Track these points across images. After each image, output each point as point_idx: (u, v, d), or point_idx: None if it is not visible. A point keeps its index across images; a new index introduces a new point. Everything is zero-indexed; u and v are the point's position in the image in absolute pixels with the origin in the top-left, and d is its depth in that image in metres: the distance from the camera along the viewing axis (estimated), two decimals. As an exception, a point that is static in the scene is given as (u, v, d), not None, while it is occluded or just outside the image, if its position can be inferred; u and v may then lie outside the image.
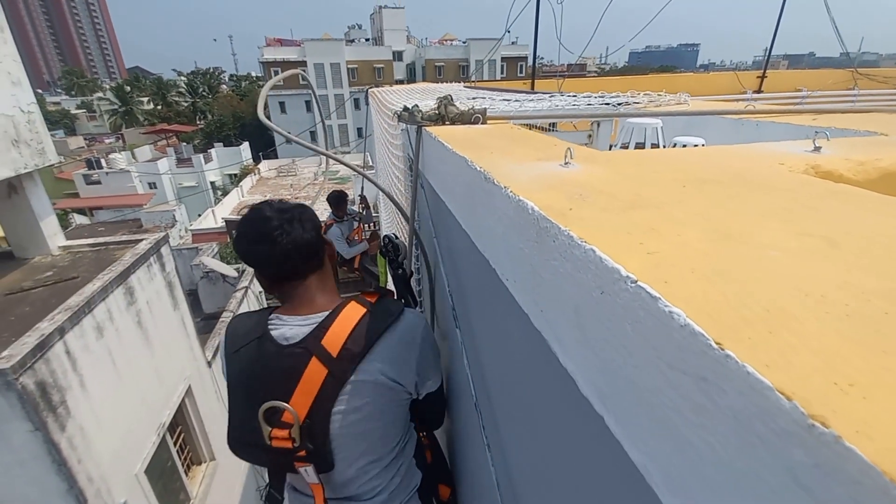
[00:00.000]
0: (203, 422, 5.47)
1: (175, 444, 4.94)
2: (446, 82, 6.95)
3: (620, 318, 0.37)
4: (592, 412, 0.44)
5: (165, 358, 4.78)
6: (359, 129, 36.71)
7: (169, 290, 5.15)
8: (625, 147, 1.94)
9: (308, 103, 38.25)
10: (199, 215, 21.99)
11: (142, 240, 4.97)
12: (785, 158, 0.81)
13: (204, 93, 46.12)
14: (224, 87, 50.66)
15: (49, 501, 3.28)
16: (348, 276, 7.74)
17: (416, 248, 1.67)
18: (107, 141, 41.32)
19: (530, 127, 2.20)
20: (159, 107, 44.51)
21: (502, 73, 41.03)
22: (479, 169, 0.76)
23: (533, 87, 6.38)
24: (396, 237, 1.72)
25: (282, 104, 38.15)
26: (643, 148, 1.89)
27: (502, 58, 40.94)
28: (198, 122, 43.21)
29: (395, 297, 1.36)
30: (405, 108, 1.44)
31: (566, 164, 0.77)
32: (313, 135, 37.48)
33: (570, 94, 3.10)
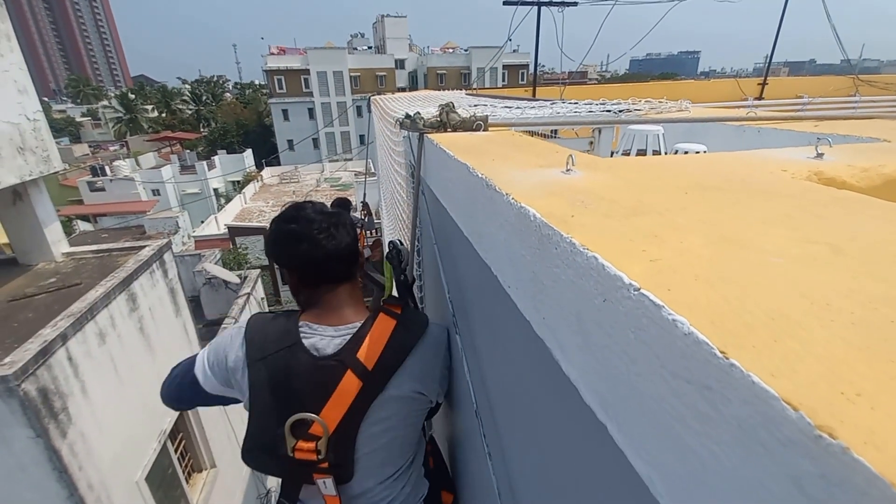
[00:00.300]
0: (204, 428, 5.46)
1: (176, 451, 4.93)
2: (448, 90, 6.99)
3: (623, 326, 0.37)
4: (595, 421, 0.43)
5: (167, 364, 4.74)
6: (361, 136, 36.89)
7: (171, 296, 5.16)
8: (626, 154, 1.95)
9: (311, 111, 38.48)
10: (202, 222, 22.09)
11: (145, 246, 4.99)
12: (788, 165, 0.80)
13: (208, 101, 46.53)
14: (228, 94, 51.15)
15: (49, 508, 3.27)
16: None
17: (418, 254, 1.67)
18: (111, 148, 41.60)
19: (532, 134, 2.21)
20: (163, 114, 44.91)
21: (504, 80, 41.22)
22: (480, 176, 0.76)
23: (534, 95, 6.41)
24: (401, 243, 1.72)
25: (285, 111, 38.41)
26: (645, 155, 1.89)
27: (504, 65, 41.17)
28: (201, 130, 43.54)
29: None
30: (407, 116, 1.45)
31: (568, 170, 0.77)
32: (315, 142, 37.75)
33: (572, 101, 3.11)
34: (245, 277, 8.96)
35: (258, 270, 9.91)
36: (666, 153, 2.06)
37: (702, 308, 0.32)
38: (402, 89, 36.45)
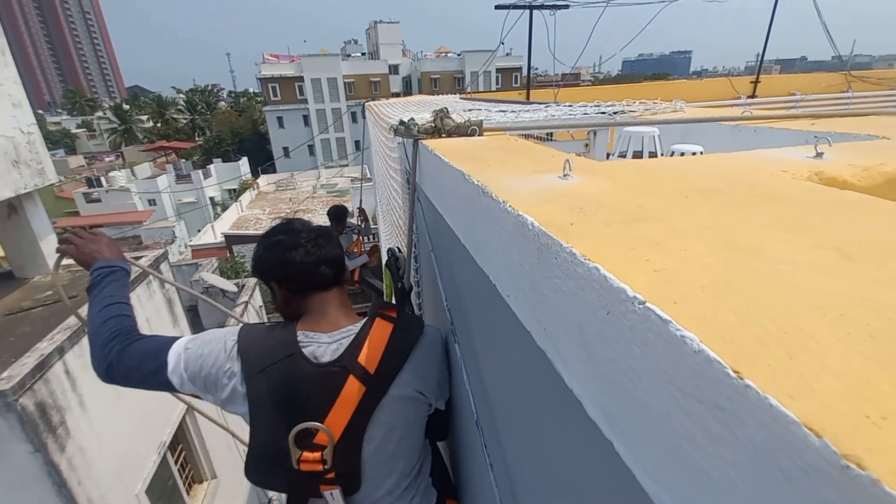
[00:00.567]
0: (204, 439, 5.41)
1: (176, 462, 4.88)
2: (442, 94, 7.00)
3: (628, 340, 0.36)
4: (601, 437, 0.42)
5: (166, 376, 4.72)
6: (356, 142, 36.89)
7: (168, 306, 5.13)
8: (622, 156, 1.94)
9: (306, 118, 38.49)
10: (199, 231, 22.01)
11: (141, 257, 4.96)
12: (787, 165, 0.79)
13: (202, 109, 46.49)
14: (222, 103, 51.13)
15: (49, 524, 3.22)
16: (348, 288, 7.71)
17: (415, 261, 1.65)
18: (107, 159, 41.55)
19: (527, 137, 2.20)
20: (158, 124, 44.84)
21: (497, 83, 41.34)
22: (476, 183, 0.75)
23: (528, 97, 6.42)
24: (400, 250, 1.71)
25: (280, 119, 38.40)
26: (641, 156, 1.88)
27: (497, 69, 41.27)
28: (196, 139, 43.48)
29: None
30: (401, 122, 1.43)
31: (565, 175, 0.76)
32: (311, 148, 37.73)
33: (566, 103, 3.11)
34: (242, 286, 8.92)
35: (256, 278, 9.85)
36: (662, 154, 2.05)
37: (710, 322, 0.31)
38: (397, 94, 36.53)
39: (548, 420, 0.62)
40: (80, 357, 3.59)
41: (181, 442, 5.13)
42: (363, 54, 45.81)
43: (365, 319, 1.15)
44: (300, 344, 1.07)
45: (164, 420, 4.60)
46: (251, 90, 58.25)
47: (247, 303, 7.89)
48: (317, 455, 1.02)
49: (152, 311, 4.75)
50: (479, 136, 1.38)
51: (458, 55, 42.86)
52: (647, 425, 0.35)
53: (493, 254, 0.71)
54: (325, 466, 1.03)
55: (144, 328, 4.57)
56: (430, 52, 46.33)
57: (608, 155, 2.88)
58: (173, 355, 1.06)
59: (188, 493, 5.07)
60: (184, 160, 34.06)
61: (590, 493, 0.53)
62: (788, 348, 0.28)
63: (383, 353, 1.07)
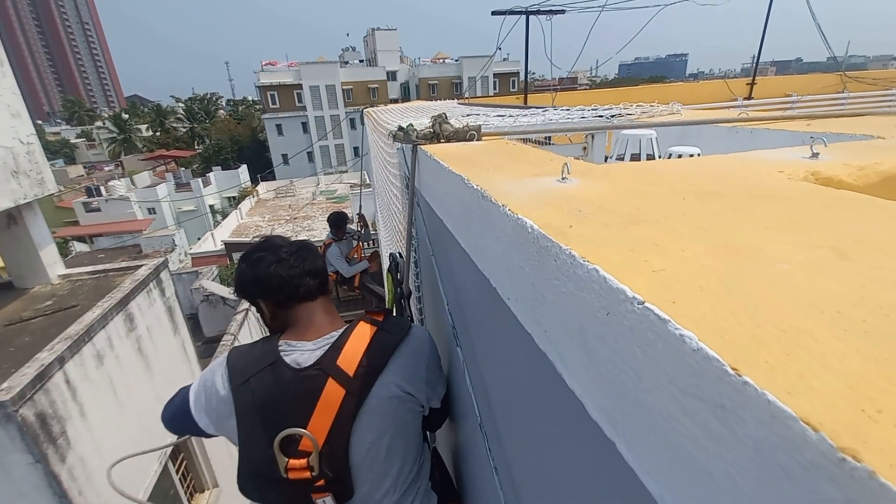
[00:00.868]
0: (206, 448, 5.39)
1: (177, 471, 4.86)
2: (440, 100, 7.04)
3: (628, 341, 0.36)
4: (603, 437, 0.42)
5: (166, 384, 4.71)
6: (355, 149, 36.93)
7: (169, 315, 5.12)
8: (620, 159, 1.95)
9: (305, 125, 38.62)
10: (199, 239, 22.01)
11: (141, 265, 4.96)
12: (784, 166, 0.80)
13: (202, 118, 46.63)
14: (221, 111, 51.26)
15: (49, 536, 3.20)
16: (349, 294, 7.71)
17: (415, 265, 1.66)
18: (106, 168, 41.59)
19: (525, 141, 2.21)
20: (157, 133, 44.96)
21: (495, 88, 41.50)
22: (475, 187, 0.76)
23: (526, 102, 6.45)
24: (401, 256, 1.71)
25: (278, 126, 38.53)
26: (638, 159, 1.89)
27: (495, 74, 41.46)
28: (196, 147, 43.58)
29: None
30: (400, 128, 1.44)
31: (563, 179, 0.76)
32: (310, 155, 37.83)
33: (564, 107, 3.13)
34: (243, 293, 8.90)
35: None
36: (660, 157, 2.07)
37: (709, 321, 0.31)
38: (395, 100, 36.66)
39: (550, 422, 0.62)
40: (80, 367, 3.58)
41: (182, 451, 5.10)
42: (361, 61, 46.03)
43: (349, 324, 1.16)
44: (282, 352, 1.08)
45: (165, 430, 4.57)
46: (250, 98, 58.47)
47: (247, 310, 7.88)
48: (303, 462, 1.01)
49: (153, 320, 4.74)
50: (477, 140, 1.39)
51: (456, 61, 43.08)
52: (648, 425, 0.35)
53: (493, 257, 0.71)
54: (313, 473, 1.02)
55: (145, 337, 4.53)
56: (427, 58, 46.55)
57: (606, 158, 2.89)
58: (191, 396, 1.16)
59: (190, 502, 5.05)
60: (183, 169, 34.14)
61: (593, 494, 0.53)
62: (786, 346, 0.28)
63: (363, 355, 1.07)
